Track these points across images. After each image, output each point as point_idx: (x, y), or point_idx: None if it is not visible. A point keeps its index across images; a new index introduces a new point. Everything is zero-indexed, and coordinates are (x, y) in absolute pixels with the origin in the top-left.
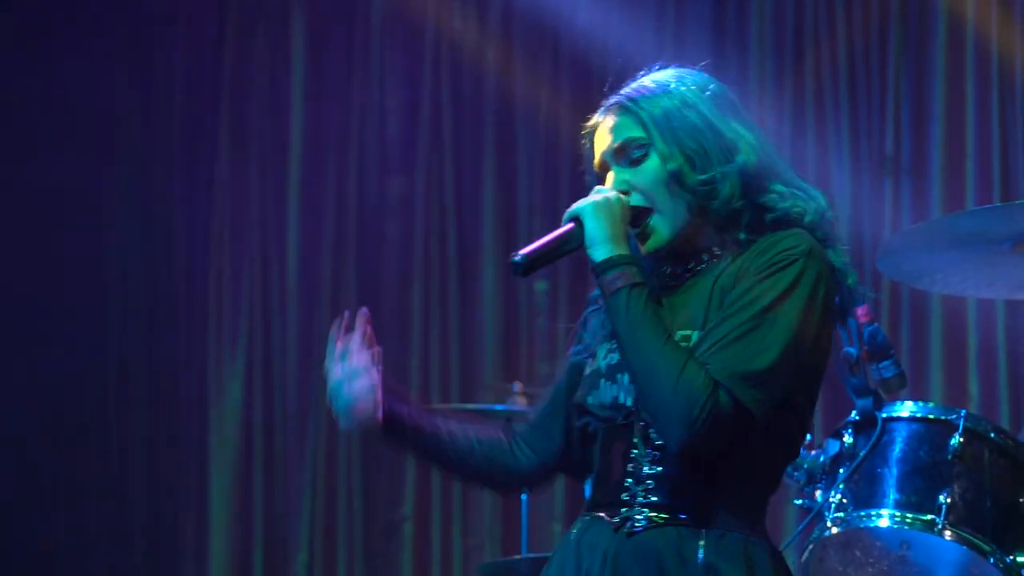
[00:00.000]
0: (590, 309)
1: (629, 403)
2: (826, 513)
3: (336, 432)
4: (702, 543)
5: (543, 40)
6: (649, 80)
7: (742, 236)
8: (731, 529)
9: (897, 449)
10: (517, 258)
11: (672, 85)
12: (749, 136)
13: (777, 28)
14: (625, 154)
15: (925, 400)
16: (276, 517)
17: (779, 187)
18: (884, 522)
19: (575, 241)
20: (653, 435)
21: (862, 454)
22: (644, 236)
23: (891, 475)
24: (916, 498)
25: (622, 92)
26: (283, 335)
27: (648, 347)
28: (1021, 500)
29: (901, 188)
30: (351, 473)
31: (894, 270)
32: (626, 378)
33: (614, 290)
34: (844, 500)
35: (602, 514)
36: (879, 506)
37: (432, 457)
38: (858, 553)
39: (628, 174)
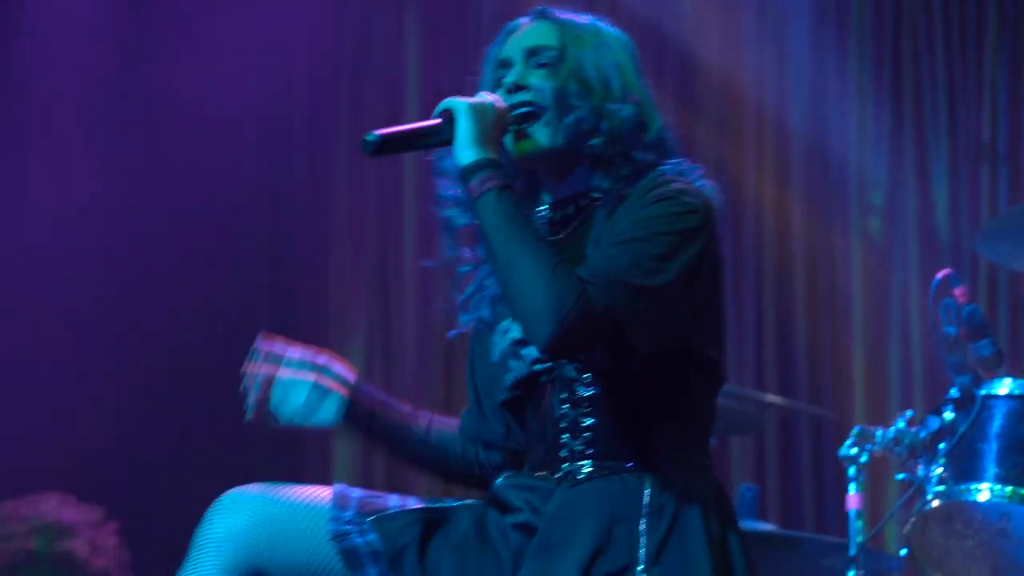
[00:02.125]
0: (463, 270)
1: (547, 365)
2: (927, 487)
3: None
4: (647, 487)
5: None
6: (583, 15)
7: (606, 185)
8: (673, 470)
9: (996, 425)
10: (370, 136)
11: (601, 27)
12: (649, 99)
13: (877, 19)
14: (535, 56)
15: (1022, 378)
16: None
17: (651, 156)
18: (984, 496)
19: (437, 137)
20: (579, 388)
21: (962, 430)
22: (521, 137)
23: (990, 450)
24: (1015, 472)
25: (556, 11)
26: (400, 305)
27: (520, 245)
28: None
29: (998, 174)
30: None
31: (991, 252)
32: (528, 351)
33: (483, 191)
34: (945, 474)
35: (542, 472)
36: (979, 480)
37: (388, 447)
38: (959, 526)
39: (530, 75)
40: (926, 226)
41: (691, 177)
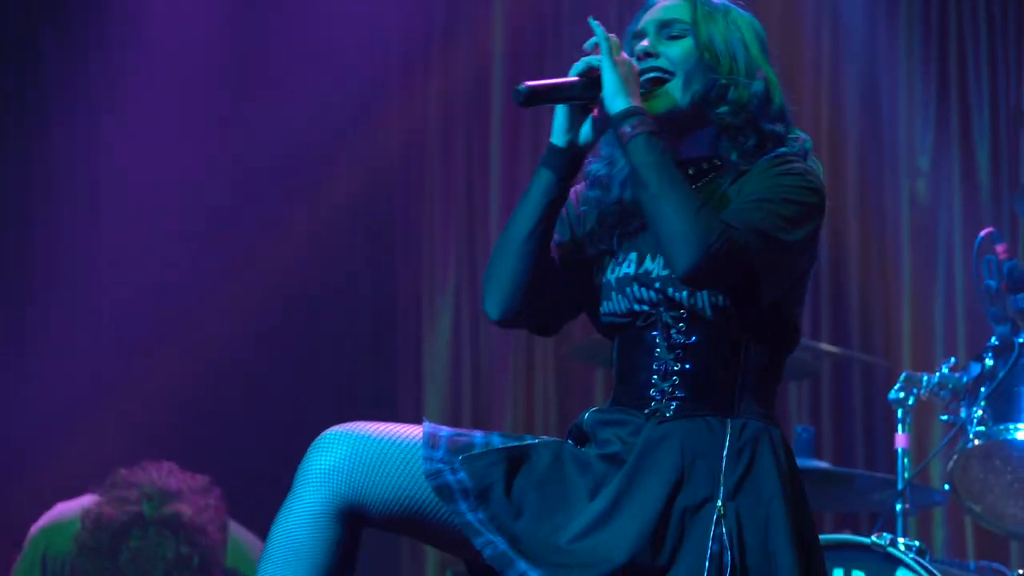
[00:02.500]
0: (590, 192)
1: (646, 309)
2: (969, 427)
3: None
4: (728, 431)
5: None
6: None
7: (734, 157)
8: (751, 417)
9: None
10: (521, 88)
11: (732, 7)
12: (773, 77)
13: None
14: (668, 28)
15: None
16: (482, 423)
17: (779, 126)
18: (1021, 435)
19: (578, 91)
20: (675, 335)
21: (1001, 375)
22: (653, 96)
23: None
24: None
25: None
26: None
27: (671, 181)
28: None
29: None
30: (546, 387)
31: None
32: (635, 289)
33: (635, 135)
34: (985, 416)
35: (626, 407)
36: (1017, 420)
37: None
38: (998, 463)
39: (660, 45)
40: (969, 187)
41: (810, 160)
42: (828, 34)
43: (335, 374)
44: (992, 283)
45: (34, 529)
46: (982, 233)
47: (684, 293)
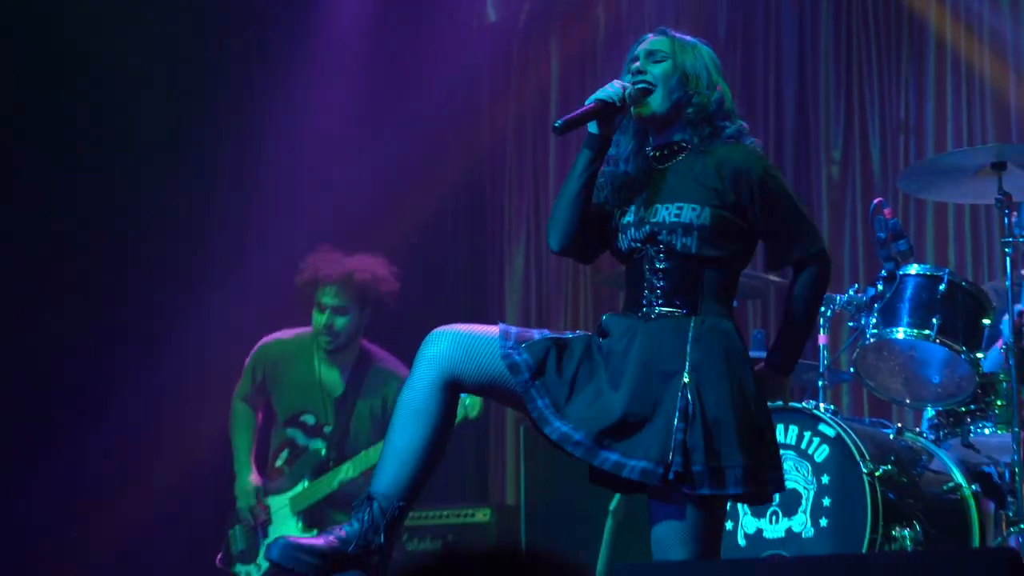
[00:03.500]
0: (608, 169)
1: (638, 245)
2: (866, 330)
3: (577, 277)
4: (692, 323)
5: None
6: (686, 35)
7: (696, 141)
8: (710, 315)
9: (908, 292)
10: (557, 123)
11: (698, 43)
12: (726, 91)
13: (836, 37)
14: (653, 56)
15: (923, 264)
16: (542, 324)
17: (727, 122)
18: (900, 335)
19: (592, 115)
20: (657, 263)
21: (888, 295)
22: (640, 105)
23: (905, 308)
24: (919, 320)
25: (671, 31)
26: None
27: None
28: (980, 321)
29: (909, 140)
30: (586, 301)
31: (907, 187)
32: (632, 232)
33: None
34: (877, 322)
35: (629, 311)
36: (897, 325)
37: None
38: (885, 353)
39: (649, 66)
40: (866, 171)
41: (746, 139)
42: (773, 66)
43: (445, 293)
44: (882, 235)
45: (253, 349)
46: (875, 201)
47: (663, 234)
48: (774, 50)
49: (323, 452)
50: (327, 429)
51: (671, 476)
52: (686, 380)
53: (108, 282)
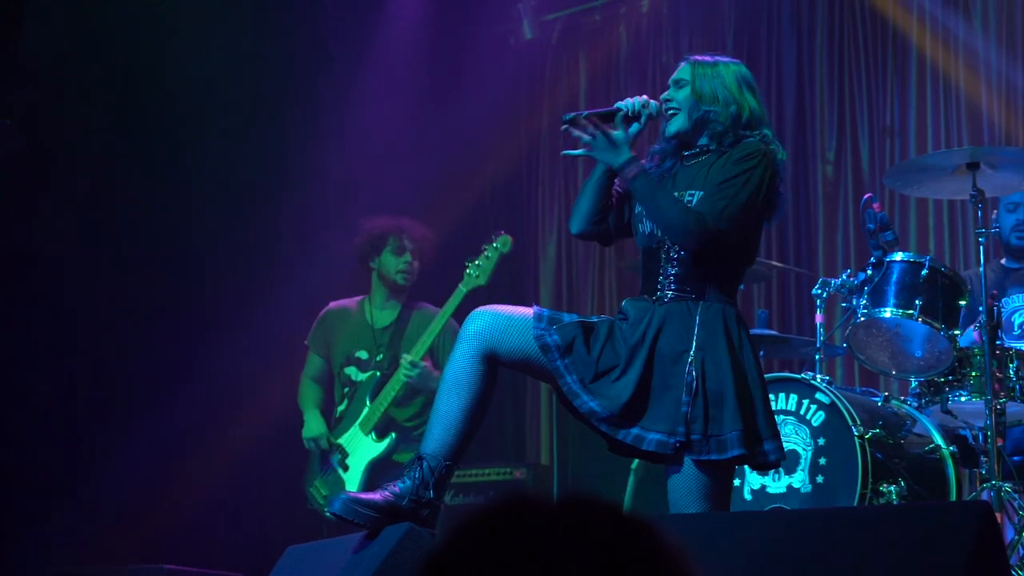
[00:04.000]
0: (649, 165)
1: (658, 234)
2: (857, 310)
3: (604, 263)
4: (699, 308)
5: None
6: (712, 56)
7: (713, 146)
8: (715, 301)
9: (894, 276)
10: (569, 116)
11: (719, 63)
12: (751, 103)
13: (830, 50)
14: (678, 83)
15: (907, 252)
16: (572, 307)
17: (747, 130)
18: (887, 314)
19: (607, 117)
20: (671, 252)
21: (876, 280)
22: (670, 122)
23: (891, 290)
24: (903, 301)
25: (696, 57)
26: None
27: (663, 201)
28: (957, 303)
29: (894, 142)
30: (611, 286)
31: (893, 184)
32: (648, 226)
33: (632, 176)
34: (867, 303)
35: (645, 296)
36: (885, 306)
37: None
38: (874, 331)
39: (674, 92)
40: (857, 169)
41: (772, 145)
42: (774, 77)
43: None
44: (871, 226)
45: (322, 312)
46: (865, 197)
47: None
48: (775, 64)
49: (378, 375)
50: (379, 357)
51: (678, 445)
52: (692, 359)
53: (194, 269)
